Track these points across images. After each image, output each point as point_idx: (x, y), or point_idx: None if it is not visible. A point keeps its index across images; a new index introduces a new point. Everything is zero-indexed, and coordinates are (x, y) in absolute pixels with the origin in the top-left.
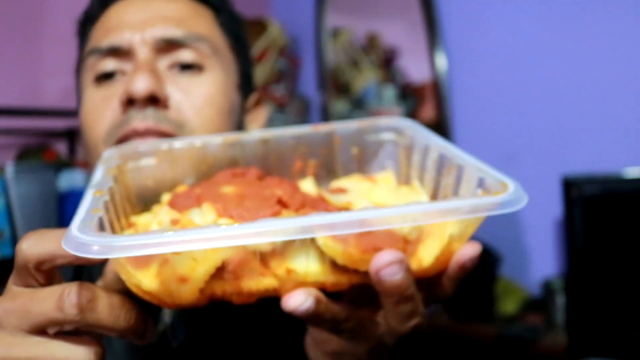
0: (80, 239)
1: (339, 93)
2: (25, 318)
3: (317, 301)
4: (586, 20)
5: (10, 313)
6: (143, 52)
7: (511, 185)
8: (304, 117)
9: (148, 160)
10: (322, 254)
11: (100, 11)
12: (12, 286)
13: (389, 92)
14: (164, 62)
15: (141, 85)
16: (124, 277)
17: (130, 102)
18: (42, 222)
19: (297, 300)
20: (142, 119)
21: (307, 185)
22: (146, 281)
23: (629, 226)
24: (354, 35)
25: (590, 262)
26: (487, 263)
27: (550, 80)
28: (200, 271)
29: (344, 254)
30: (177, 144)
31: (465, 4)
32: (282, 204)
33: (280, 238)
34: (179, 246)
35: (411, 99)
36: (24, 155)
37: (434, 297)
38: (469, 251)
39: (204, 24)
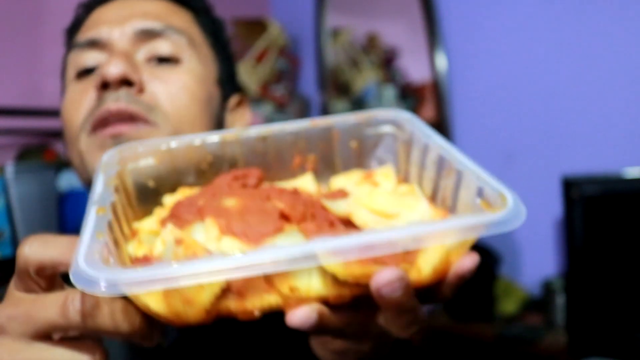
0: (88, 273)
1: (339, 93)
2: (29, 324)
3: (321, 315)
4: (586, 20)
5: (13, 319)
6: (121, 43)
7: (510, 199)
8: (304, 117)
9: (147, 161)
10: (324, 271)
11: (84, 17)
12: (14, 291)
13: (389, 92)
14: (141, 54)
15: (114, 68)
16: (131, 298)
17: (104, 87)
18: (42, 222)
19: (301, 317)
20: (115, 100)
21: (307, 181)
22: (153, 304)
23: (629, 226)
24: (354, 35)
25: (590, 262)
26: (487, 263)
27: (550, 80)
28: (206, 294)
29: (345, 271)
30: (175, 143)
31: (465, 4)
32: (284, 217)
33: (286, 267)
34: (185, 280)
35: (411, 99)
36: (24, 155)
37: (433, 301)
38: (467, 263)
39: (182, 20)
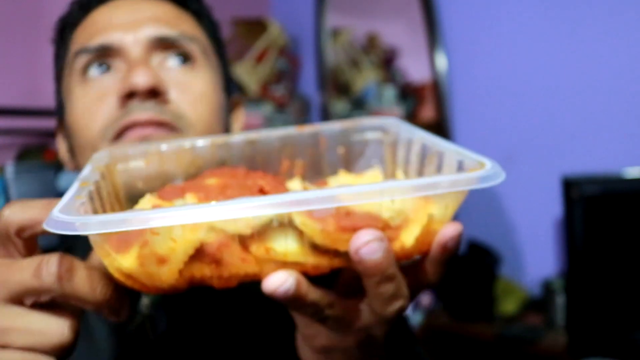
0: (61, 218)
1: (339, 93)
2: (2, 287)
3: (298, 282)
4: (586, 20)
5: None
6: (136, 51)
7: (488, 163)
8: (304, 117)
9: (137, 162)
10: (301, 235)
11: (81, 16)
12: None
13: (389, 92)
14: (155, 60)
15: (142, 78)
16: (105, 261)
17: (130, 96)
18: None
19: (277, 281)
20: (144, 110)
21: (295, 186)
22: (126, 263)
23: (629, 226)
24: (354, 35)
25: (590, 262)
26: (487, 263)
27: (550, 80)
28: (179, 251)
29: (322, 233)
30: (166, 146)
31: (465, 4)
32: (263, 193)
33: (254, 213)
34: (157, 222)
35: (411, 99)
36: (24, 155)
37: (420, 284)
38: (449, 230)
39: (190, 26)
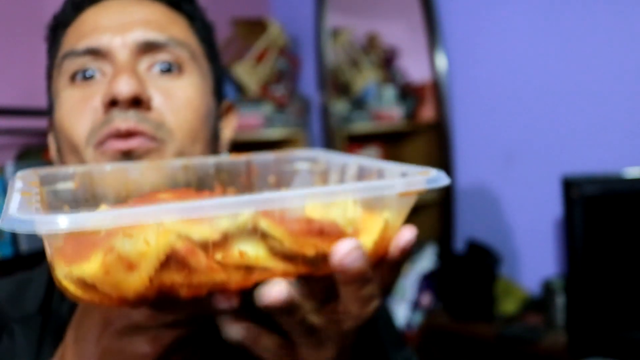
0: (20, 217)
1: (339, 93)
2: None
3: (298, 284)
4: (586, 20)
5: None
6: (123, 55)
7: (433, 170)
8: (304, 117)
9: (65, 185)
10: (266, 241)
11: (73, 16)
12: None
13: (389, 92)
14: (143, 65)
15: (125, 87)
16: (60, 271)
17: (112, 103)
18: None
19: (279, 288)
20: (124, 119)
21: None
22: (90, 271)
23: (629, 226)
24: (354, 35)
25: (590, 262)
26: (487, 263)
27: (550, 80)
28: (152, 256)
29: (291, 236)
30: (97, 167)
31: (465, 4)
32: None
33: (243, 209)
34: (126, 219)
35: (411, 99)
36: (24, 155)
37: (382, 289)
38: (407, 234)
39: (181, 30)
